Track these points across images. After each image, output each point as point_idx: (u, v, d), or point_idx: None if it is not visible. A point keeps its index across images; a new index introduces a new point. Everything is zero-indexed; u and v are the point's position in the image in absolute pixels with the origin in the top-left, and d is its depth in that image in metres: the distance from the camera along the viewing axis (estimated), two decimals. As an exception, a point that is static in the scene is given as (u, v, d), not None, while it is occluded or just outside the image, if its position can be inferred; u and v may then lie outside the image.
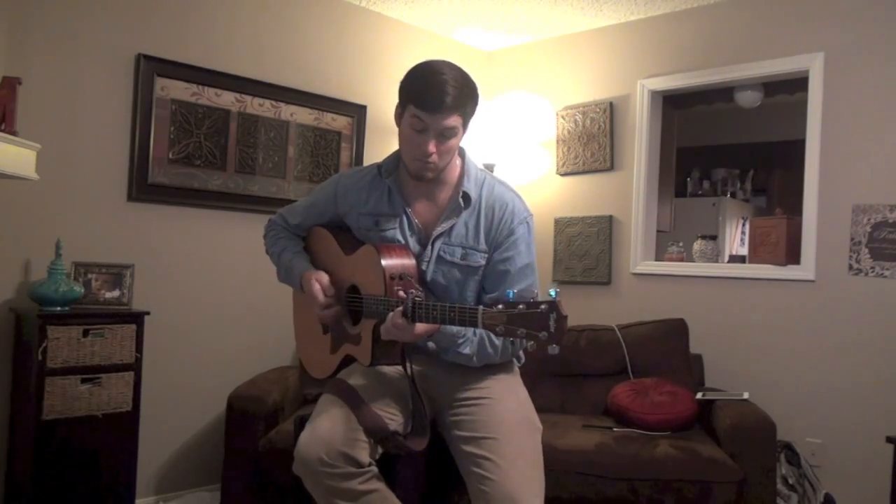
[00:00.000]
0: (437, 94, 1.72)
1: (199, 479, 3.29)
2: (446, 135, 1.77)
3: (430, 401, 1.86)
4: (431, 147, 1.76)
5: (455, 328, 1.73)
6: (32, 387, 2.56)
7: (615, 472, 2.65)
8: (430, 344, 1.80)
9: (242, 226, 3.36)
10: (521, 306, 1.42)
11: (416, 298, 1.61)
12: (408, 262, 1.80)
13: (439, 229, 1.85)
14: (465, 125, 1.81)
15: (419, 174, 1.83)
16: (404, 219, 1.88)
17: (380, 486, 1.72)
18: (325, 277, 1.92)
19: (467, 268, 1.85)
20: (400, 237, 1.87)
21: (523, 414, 1.84)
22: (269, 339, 3.41)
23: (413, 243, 1.87)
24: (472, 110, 1.81)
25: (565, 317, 1.39)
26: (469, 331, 1.77)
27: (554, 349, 1.39)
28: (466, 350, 1.79)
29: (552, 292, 1.42)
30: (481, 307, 1.49)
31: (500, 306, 1.45)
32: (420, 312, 1.61)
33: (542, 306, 1.40)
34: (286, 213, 2.13)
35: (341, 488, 1.67)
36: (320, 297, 1.89)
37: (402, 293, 1.64)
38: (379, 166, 1.95)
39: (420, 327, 1.64)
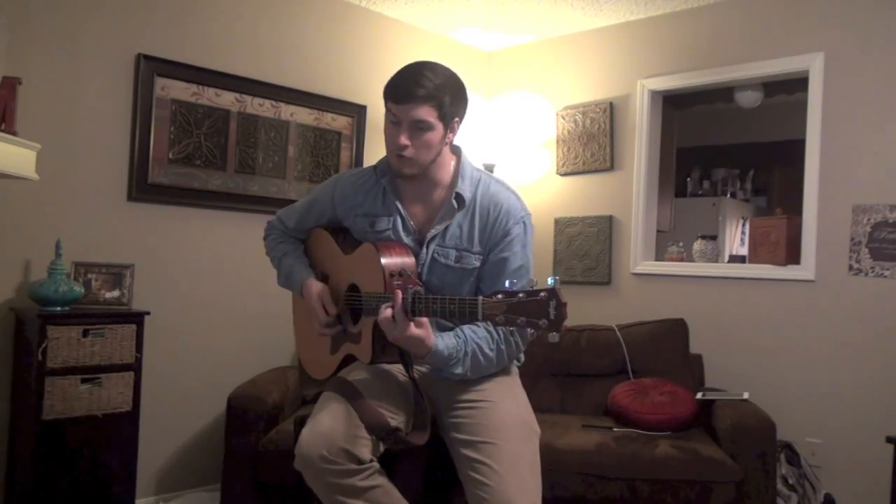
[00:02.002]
0: (406, 85, 1.75)
1: (199, 479, 3.29)
2: (420, 127, 1.76)
3: (430, 401, 1.86)
4: (403, 139, 1.76)
5: (447, 351, 1.73)
6: (32, 387, 2.56)
7: (615, 472, 2.65)
8: (424, 368, 1.81)
9: (242, 226, 3.36)
10: (520, 295, 1.43)
11: (416, 293, 1.61)
12: (407, 259, 1.79)
13: (433, 231, 1.85)
14: (444, 119, 1.78)
15: (397, 170, 1.82)
16: (398, 219, 1.88)
17: (382, 481, 1.72)
18: (325, 292, 1.91)
19: (462, 270, 1.85)
20: (394, 238, 1.87)
21: (522, 418, 1.84)
22: (269, 339, 3.41)
23: (409, 244, 1.87)
24: (453, 107, 1.79)
25: (564, 304, 1.40)
26: (460, 351, 1.76)
27: (554, 337, 1.40)
28: (458, 370, 1.78)
29: (551, 280, 1.42)
30: (481, 297, 1.50)
31: (499, 296, 1.46)
32: (419, 306, 1.61)
33: (542, 294, 1.41)
34: (284, 216, 2.13)
35: (343, 485, 1.67)
36: (322, 315, 1.89)
37: (399, 290, 1.64)
38: (375, 167, 1.95)
39: (413, 330, 1.64)
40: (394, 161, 1.82)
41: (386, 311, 1.64)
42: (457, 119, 1.84)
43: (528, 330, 1.42)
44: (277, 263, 2.09)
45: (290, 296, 2.17)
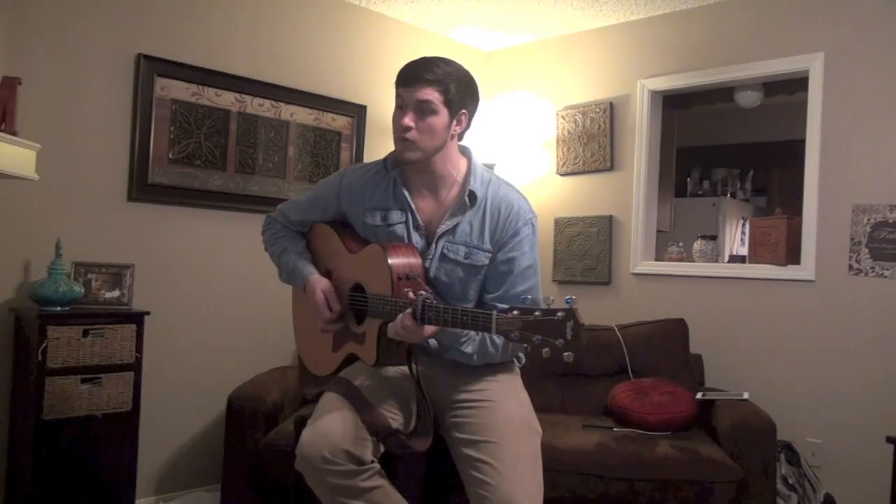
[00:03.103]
0: (414, 69, 1.79)
1: (199, 479, 3.29)
2: (424, 109, 1.77)
3: (431, 401, 1.86)
4: (408, 120, 1.78)
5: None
6: (32, 387, 2.56)
7: (615, 472, 2.65)
8: (433, 342, 1.80)
9: (242, 226, 3.36)
10: (537, 313, 1.42)
11: (427, 300, 1.61)
12: (414, 261, 1.79)
13: (443, 227, 1.85)
14: (449, 106, 1.79)
15: (401, 154, 1.82)
16: (409, 213, 1.88)
17: (383, 482, 1.72)
18: (330, 289, 1.92)
19: (470, 267, 1.85)
20: (404, 232, 1.87)
21: (523, 417, 1.84)
22: (269, 339, 3.41)
23: (417, 238, 1.87)
24: (459, 96, 1.80)
25: (582, 325, 1.40)
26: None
27: (569, 357, 1.39)
28: (469, 349, 1.79)
29: (569, 300, 1.41)
30: (495, 312, 1.48)
31: (515, 312, 1.44)
32: (430, 314, 1.60)
33: (560, 314, 1.40)
34: (286, 209, 2.11)
35: (344, 486, 1.67)
36: (325, 312, 1.89)
37: (411, 294, 1.64)
38: (385, 159, 1.95)
39: (429, 328, 1.65)
40: (398, 146, 1.83)
41: (406, 322, 1.63)
42: (464, 112, 1.85)
43: (544, 349, 1.41)
44: (277, 259, 2.08)
45: (290, 294, 2.17)
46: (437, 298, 1.77)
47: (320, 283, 1.93)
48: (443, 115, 1.79)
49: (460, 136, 1.90)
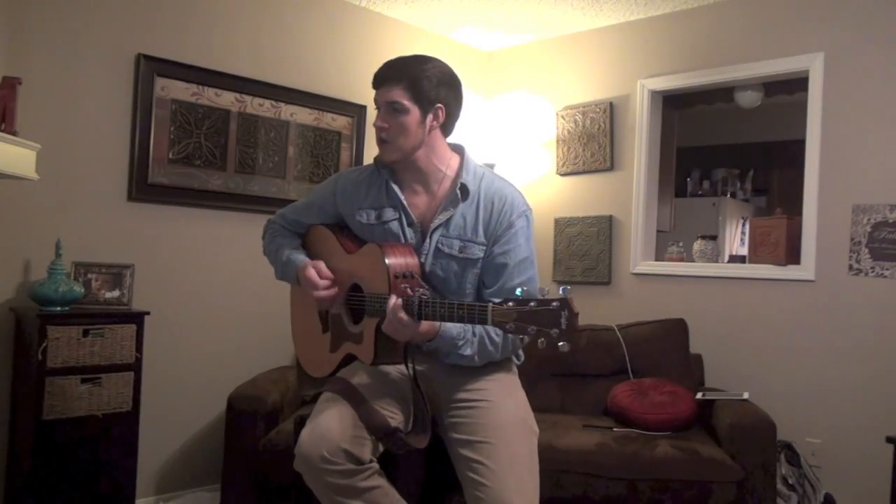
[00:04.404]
0: (381, 69, 1.85)
1: (199, 479, 3.29)
2: (394, 109, 1.81)
3: (429, 401, 1.87)
4: (380, 121, 1.83)
5: (455, 331, 1.73)
6: (32, 387, 2.56)
7: (615, 472, 2.65)
8: (422, 367, 1.81)
9: (242, 226, 3.36)
10: (531, 303, 1.43)
11: (423, 297, 1.61)
12: (411, 260, 1.80)
13: (437, 221, 1.86)
14: (420, 103, 1.80)
15: (381, 156, 1.88)
16: (401, 211, 1.89)
17: (381, 482, 1.73)
18: (321, 263, 1.92)
19: (465, 260, 1.85)
20: (399, 229, 1.88)
21: (521, 417, 1.84)
22: (269, 339, 3.41)
23: (411, 235, 1.88)
24: (434, 92, 1.81)
25: (576, 314, 1.40)
26: (468, 332, 1.77)
27: (565, 346, 1.40)
28: (468, 351, 1.79)
29: (562, 290, 1.42)
30: (491, 304, 1.49)
31: (510, 304, 1.45)
32: (427, 311, 1.61)
33: (554, 304, 1.41)
34: (284, 210, 2.14)
35: (343, 485, 1.67)
36: (317, 279, 1.89)
37: (409, 291, 1.64)
38: (375, 159, 1.96)
39: (425, 325, 1.65)
40: (378, 147, 1.87)
41: (400, 315, 1.63)
42: (440, 106, 1.84)
43: (539, 339, 1.41)
44: (273, 256, 2.09)
45: (290, 294, 2.17)
46: (435, 295, 1.77)
47: (311, 262, 1.93)
48: (414, 112, 1.81)
49: (446, 131, 1.90)
